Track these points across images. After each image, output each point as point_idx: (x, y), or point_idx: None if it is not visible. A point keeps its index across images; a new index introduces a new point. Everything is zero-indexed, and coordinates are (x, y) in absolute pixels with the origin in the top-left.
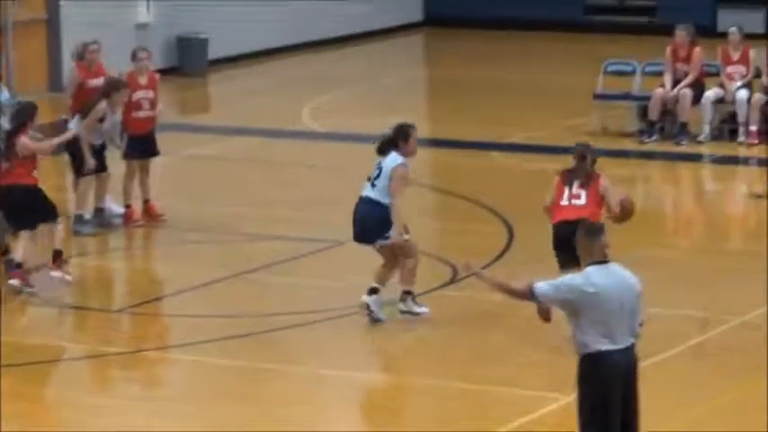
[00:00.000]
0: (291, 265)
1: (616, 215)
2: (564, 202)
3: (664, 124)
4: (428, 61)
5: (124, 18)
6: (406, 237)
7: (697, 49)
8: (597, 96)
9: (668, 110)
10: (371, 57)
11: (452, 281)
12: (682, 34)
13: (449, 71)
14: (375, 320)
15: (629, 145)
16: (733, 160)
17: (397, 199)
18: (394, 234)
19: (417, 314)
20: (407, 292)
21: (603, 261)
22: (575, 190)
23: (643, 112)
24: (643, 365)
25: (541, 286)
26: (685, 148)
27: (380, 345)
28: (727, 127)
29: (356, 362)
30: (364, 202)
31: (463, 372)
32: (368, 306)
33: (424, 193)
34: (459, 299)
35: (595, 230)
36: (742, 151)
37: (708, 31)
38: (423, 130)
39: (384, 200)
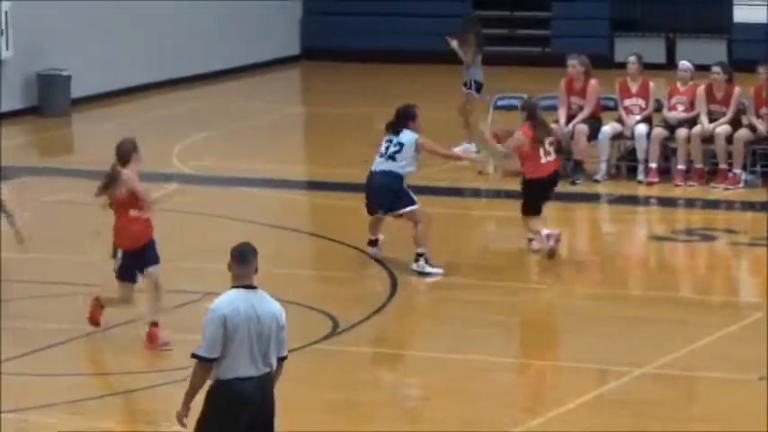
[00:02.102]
0: (162, 317)
1: None
2: (542, 160)
3: None
4: (305, 97)
5: None
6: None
7: (592, 82)
8: None
9: (562, 147)
10: (245, 93)
11: (332, 334)
12: (575, 64)
13: (326, 107)
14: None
15: None
16: (632, 200)
17: (441, 149)
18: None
19: (429, 274)
20: (420, 254)
21: (251, 286)
22: (547, 147)
23: None
24: (540, 420)
25: (201, 345)
26: (581, 187)
27: None
28: (626, 164)
29: None
30: (383, 175)
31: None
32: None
33: (300, 240)
34: (337, 353)
35: (247, 255)
36: (641, 190)
37: (605, 62)
38: (299, 173)
39: (401, 172)
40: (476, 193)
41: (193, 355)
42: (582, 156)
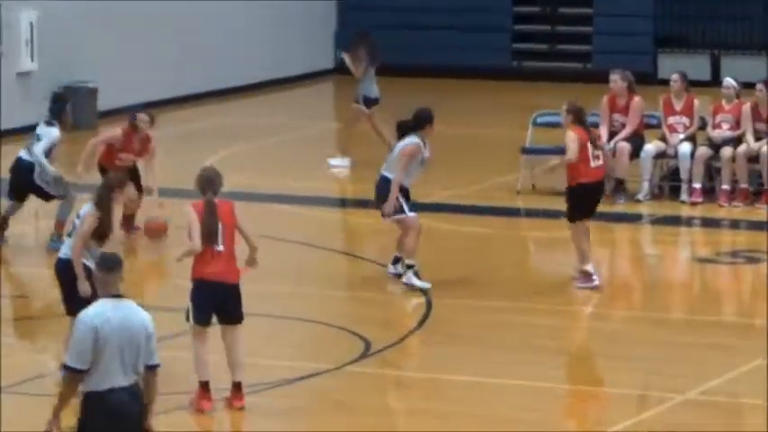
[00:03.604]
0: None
1: None
2: (592, 164)
3: None
4: (338, 112)
5: (5, 65)
6: (411, 214)
7: (636, 99)
8: (525, 151)
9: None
10: (278, 107)
11: (364, 356)
12: (617, 79)
13: (360, 123)
14: (396, 275)
15: (561, 204)
16: (675, 221)
17: (398, 175)
18: (388, 208)
19: (418, 287)
20: (409, 266)
21: (118, 295)
22: (595, 150)
23: None
24: None
25: (68, 355)
26: (622, 207)
27: (276, 408)
28: (669, 184)
29: None
30: (380, 178)
31: None
32: (393, 274)
33: (332, 259)
34: (369, 376)
35: (114, 264)
36: (684, 211)
37: (648, 78)
38: (332, 190)
39: (391, 175)
40: (514, 212)
41: (64, 366)
42: (624, 175)
